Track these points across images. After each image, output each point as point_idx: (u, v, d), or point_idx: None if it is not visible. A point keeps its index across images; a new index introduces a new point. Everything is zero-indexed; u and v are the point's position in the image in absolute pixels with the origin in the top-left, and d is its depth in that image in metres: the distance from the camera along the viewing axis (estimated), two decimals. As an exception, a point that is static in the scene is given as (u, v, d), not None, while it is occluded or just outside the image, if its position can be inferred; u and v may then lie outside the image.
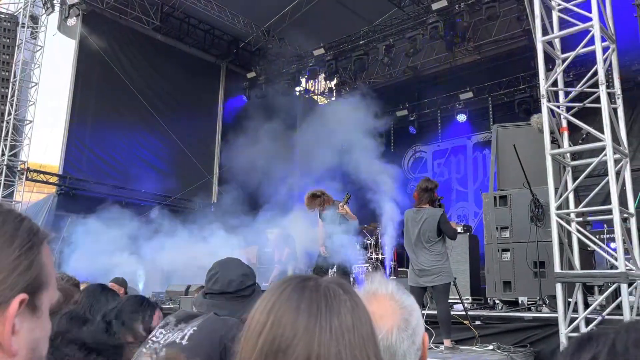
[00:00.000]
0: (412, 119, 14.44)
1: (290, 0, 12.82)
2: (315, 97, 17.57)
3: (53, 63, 13.14)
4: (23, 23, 12.33)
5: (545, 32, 5.22)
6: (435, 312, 5.49)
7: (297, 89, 16.05)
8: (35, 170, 12.23)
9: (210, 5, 13.69)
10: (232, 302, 2.22)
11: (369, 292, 1.20)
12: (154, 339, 2.06)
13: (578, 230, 4.89)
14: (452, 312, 5.74)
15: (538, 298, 6.16)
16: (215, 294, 2.24)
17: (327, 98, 17.19)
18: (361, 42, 13.19)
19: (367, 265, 9.15)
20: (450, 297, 5.74)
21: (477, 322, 5.85)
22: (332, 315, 0.76)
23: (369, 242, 9.72)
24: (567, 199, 5.09)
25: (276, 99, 14.46)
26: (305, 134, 12.35)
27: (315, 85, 17.55)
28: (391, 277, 8.81)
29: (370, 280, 1.24)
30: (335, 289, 0.81)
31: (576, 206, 5.21)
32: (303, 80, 16.21)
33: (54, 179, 12.45)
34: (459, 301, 5.98)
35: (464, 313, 5.80)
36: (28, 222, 0.75)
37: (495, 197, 7.06)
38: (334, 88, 16.35)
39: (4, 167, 11.64)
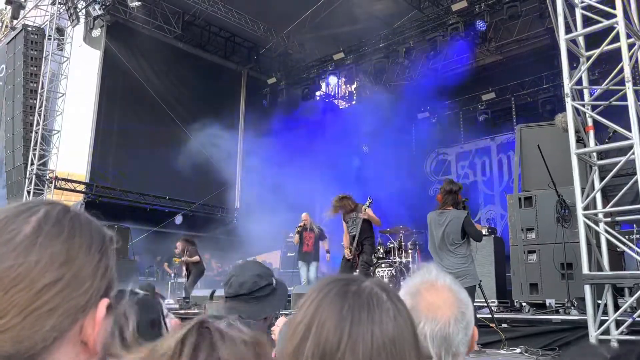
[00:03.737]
0: (433, 120, 14.34)
1: (310, 6, 12.87)
2: (335, 101, 17.59)
3: (79, 74, 13.43)
4: (50, 35, 12.65)
5: (568, 30, 5.15)
6: (461, 316, 5.42)
7: (318, 93, 16.08)
8: (63, 179, 12.50)
9: (230, 12, 13.84)
10: (248, 303, 2.22)
11: (427, 282, 1.21)
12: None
13: (606, 231, 4.79)
14: (478, 316, 5.67)
15: (566, 300, 6.05)
16: (232, 297, 2.26)
17: (348, 102, 17.18)
18: (381, 45, 13.17)
19: (391, 269, 9.07)
20: (475, 300, 5.68)
21: (504, 325, 5.77)
22: (373, 325, 0.77)
23: (392, 245, 9.64)
24: (594, 199, 5.00)
25: (297, 103, 14.53)
26: (327, 138, 12.37)
27: (335, 90, 17.57)
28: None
29: (427, 270, 1.25)
30: (379, 293, 0.81)
31: (604, 206, 5.11)
32: (323, 85, 16.25)
33: (81, 187, 12.70)
34: (485, 304, 5.91)
35: (490, 316, 5.73)
36: (96, 224, 0.75)
37: (520, 198, 6.96)
38: (354, 92, 16.34)
39: (34, 176, 11.92)
